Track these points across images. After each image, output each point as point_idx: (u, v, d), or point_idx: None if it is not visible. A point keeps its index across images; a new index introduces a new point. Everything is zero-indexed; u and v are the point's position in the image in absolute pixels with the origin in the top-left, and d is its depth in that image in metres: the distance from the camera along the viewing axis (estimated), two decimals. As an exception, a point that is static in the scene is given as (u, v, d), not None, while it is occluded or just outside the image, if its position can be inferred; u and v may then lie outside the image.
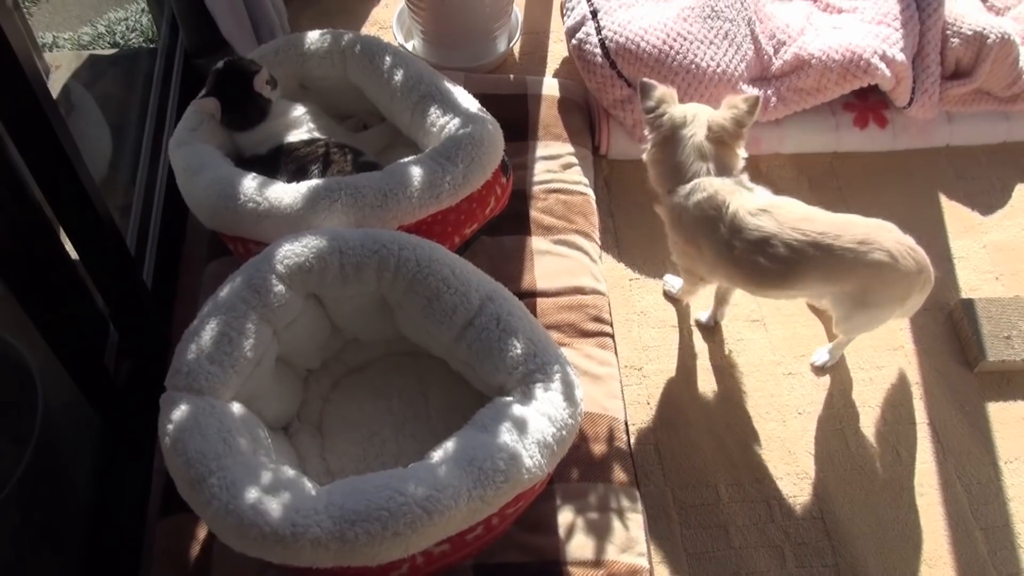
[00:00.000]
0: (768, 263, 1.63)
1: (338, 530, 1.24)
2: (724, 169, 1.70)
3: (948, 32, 2.30)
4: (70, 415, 1.67)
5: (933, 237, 2.20)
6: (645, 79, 1.76)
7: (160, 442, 1.36)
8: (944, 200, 2.28)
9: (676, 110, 1.71)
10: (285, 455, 1.53)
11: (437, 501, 1.28)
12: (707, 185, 1.67)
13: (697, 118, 1.70)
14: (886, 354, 1.99)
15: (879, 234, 1.64)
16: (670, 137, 1.71)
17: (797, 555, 1.71)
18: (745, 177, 1.73)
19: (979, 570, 1.71)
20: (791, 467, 1.82)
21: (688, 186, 1.69)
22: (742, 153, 1.72)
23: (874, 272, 1.63)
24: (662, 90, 1.73)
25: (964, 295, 2.10)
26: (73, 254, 1.62)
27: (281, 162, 1.80)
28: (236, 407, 1.42)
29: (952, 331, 2.04)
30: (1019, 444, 1.87)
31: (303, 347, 1.63)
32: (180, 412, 1.35)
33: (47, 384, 1.51)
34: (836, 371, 1.96)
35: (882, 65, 2.19)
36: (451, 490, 1.29)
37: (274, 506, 1.26)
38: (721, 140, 1.69)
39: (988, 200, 2.27)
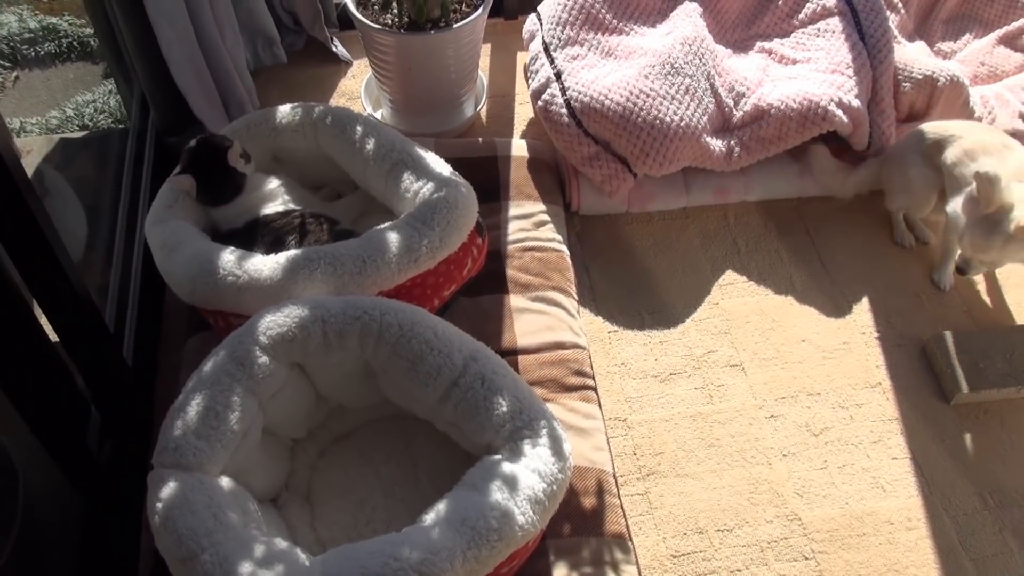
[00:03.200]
0: None
1: (335, 600, 1.23)
2: None
3: (900, 77, 2.38)
4: (53, 499, 1.64)
5: (901, 274, 2.26)
6: None
7: (149, 521, 1.35)
8: (909, 238, 2.34)
9: None
10: (275, 527, 1.52)
11: (432, 564, 1.27)
12: None
13: None
14: (864, 392, 2.02)
15: None
16: None
17: (793, 598, 1.72)
18: None
19: (973, 602, 1.72)
20: (780, 509, 1.83)
21: None
22: None
23: None
24: None
25: (935, 330, 2.14)
26: (52, 335, 1.61)
27: (258, 235, 1.82)
28: (225, 481, 1.42)
29: (926, 366, 2.08)
30: (1001, 473, 1.90)
31: (289, 417, 1.63)
32: (168, 489, 1.34)
33: (27, 468, 1.50)
34: (818, 411, 1.98)
35: (839, 111, 2.25)
36: (446, 552, 1.29)
37: (268, 579, 1.25)
38: None
39: (951, 236, 2.33)
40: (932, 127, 2.21)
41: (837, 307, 2.19)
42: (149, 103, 2.32)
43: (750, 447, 1.93)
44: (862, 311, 2.18)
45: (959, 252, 2.09)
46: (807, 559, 1.76)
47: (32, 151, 2.43)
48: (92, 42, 3.00)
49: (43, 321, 1.57)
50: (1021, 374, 1.99)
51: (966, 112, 2.37)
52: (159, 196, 1.87)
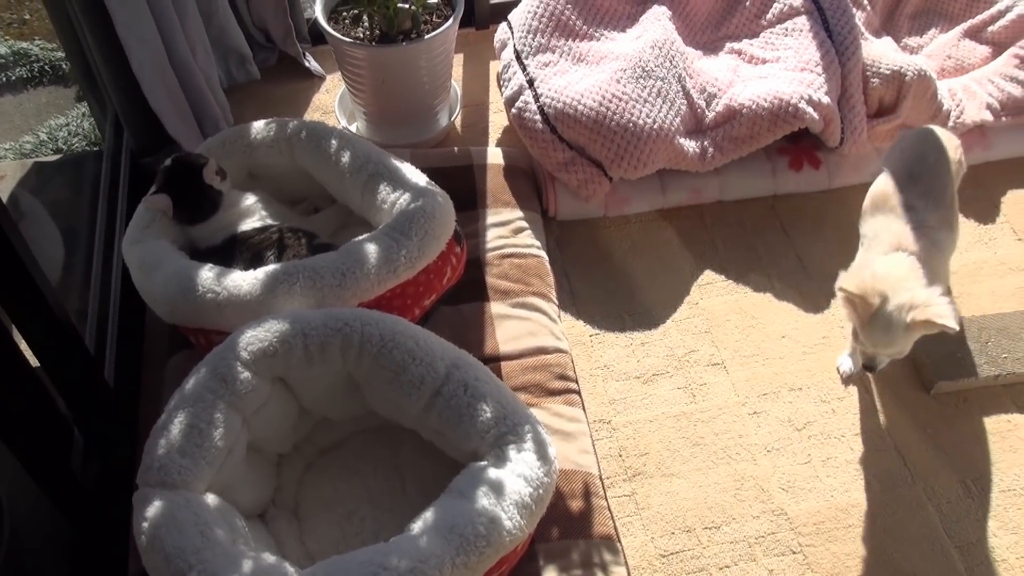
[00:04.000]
0: None
1: (325, 612, 1.24)
2: None
3: (868, 73, 2.41)
4: (38, 524, 1.63)
5: (877, 268, 2.28)
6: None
7: (136, 541, 1.34)
8: (883, 232, 2.36)
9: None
10: (263, 542, 1.52)
11: (422, 573, 1.28)
12: None
13: None
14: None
15: None
16: None
17: (782, 592, 1.73)
18: None
19: (959, 589, 1.74)
20: (766, 505, 1.85)
21: None
22: None
23: None
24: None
25: (913, 321, 2.16)
26: (32, 360, 1.61)
27: (236, 251, 1.82)
28: (211, 498, 1.42)
29: (906, 357, 2.09)
30: (982, 460, 1.92)
31: (273, 432, 1.63)
32: (154, 508, 1.34)
33: (11, 494, 1.49)
34: (800, 406, 2.00)
35: (809, 109, 2.28)
36: (435, 560, 1.29)
37: (258, 594, 1.25)
38: None
39: (924, 228, 2.35)
40: (904, 147, 2.01)
41: (815, 302, 2.21)
42: (123, 124, 2.32)
43: (734, 444, 1.94)
44: (840, 306, 2.20)
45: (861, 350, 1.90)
46: (795, 553, 1.78)
47: (6, 176, 2.42)
48: (64, 65, 2.99)
49: (23, 346, 1.57)
50: (998, 361, 2.02)
51: (934, 105, 2.40)
52: (135, 216, 1.87)
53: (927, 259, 1.81)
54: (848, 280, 1.75)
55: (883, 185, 1.95)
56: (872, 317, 1.72)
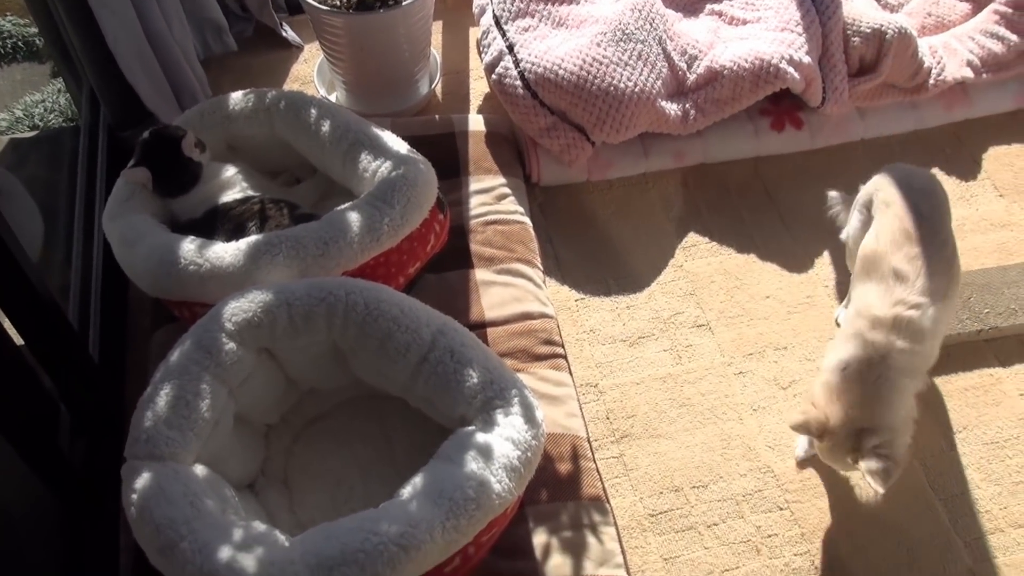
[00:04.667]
0: None
1: (316, 578, 1.24)
2: None
3: (849, 32, 2.40)
4: (27, 501, 1.63)
5: (859, 227, 2.29)
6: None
7: (126, 514, 1.35)
8: (865, 191, 2.37)
9: None
10: (253, 513, 1.52)
11: (412, 537, 1.29)
12: None
13: None
14: (830, 342, 2.05)
15: None
16: None
17: (769, 547, 1.75)
18: None
19: (944, 540, 1.76)
20: (752, 463, 1.86)
21: None
22: None
23: None
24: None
25: (896, 278, 2.17)
26: (16, 337, 1.60)
27: (218, 223, 1.81)
28: (200, 469, 1.42)
29: (889, 314, 2.11)
30: (966, 414, 1.94)
31: (260, 403, 1.63)
32: (143, 480, 1.34)
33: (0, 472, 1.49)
34: (785, 365, 2.01)
35: (790, 69, 2.27)
36: (425, 524, 1.30)
37: (249, 562, 1.26)
38: None
39: (906, 186, 2.36)
40: (896, 195, 1.84)
41: (799, 263, 2.22)
42: (99, 99, 2.29)
43: (720, 404, 1.96)
44: (823, 265, 2.21)
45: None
46: (781, 509, 1.80)
47: (-17, 154, 2.40)
48: (37, 41, 2.95)
49: (6, 323, 1.56)
50: (980, 316, 2.04)
51: (915, 63, 2.40)
52: (115, 191, 1.85)
53: (901, 366, 1.65)
54: (800, 411, 1.65)
55: (873, 245, 1.77)
56: (826, 449, 1.65)
